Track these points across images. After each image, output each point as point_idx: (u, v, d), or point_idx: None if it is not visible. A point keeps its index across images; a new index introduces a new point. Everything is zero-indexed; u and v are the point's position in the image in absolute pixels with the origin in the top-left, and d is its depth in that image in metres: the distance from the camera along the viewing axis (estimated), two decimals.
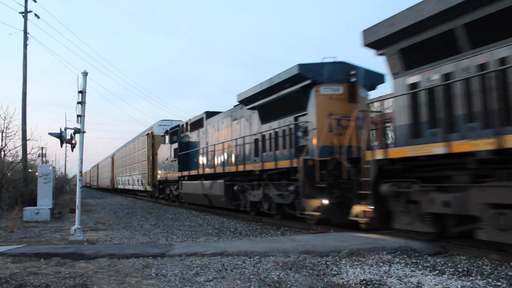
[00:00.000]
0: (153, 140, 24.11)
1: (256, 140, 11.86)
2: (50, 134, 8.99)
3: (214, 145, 14.76)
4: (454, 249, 6.18)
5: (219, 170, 13.97)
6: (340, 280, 4.65)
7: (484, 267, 5.15)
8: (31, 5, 23.39)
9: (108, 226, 11.34)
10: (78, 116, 8.75)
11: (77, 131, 8.81)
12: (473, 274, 4.79)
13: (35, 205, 14.17)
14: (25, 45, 19.92)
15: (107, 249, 6.52)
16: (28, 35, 20.28)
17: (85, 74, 8.77)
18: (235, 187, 12.66)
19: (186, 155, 17.76)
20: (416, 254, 5.87)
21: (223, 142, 14.05)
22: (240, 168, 12.38)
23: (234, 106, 13.76)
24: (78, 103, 8.69)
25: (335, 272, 4.98)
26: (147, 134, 25.18)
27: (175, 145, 19.00)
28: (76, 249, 6.58)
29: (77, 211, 8.56)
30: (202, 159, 16.04)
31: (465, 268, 5.06)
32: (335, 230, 8.57)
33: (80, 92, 8.65)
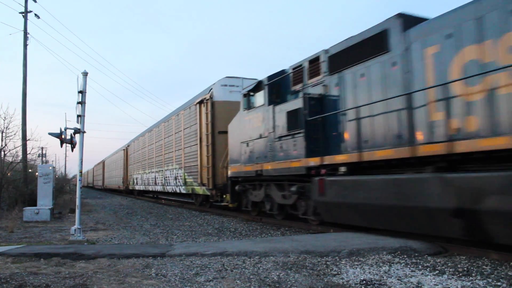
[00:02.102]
0: (213, 110, 14.37)
1: None
2: (50, 134, 8.99)
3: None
4: (454, 249, 6.18)
5: None
6: (340, 280, 4.65)
7: (484, 267, 5.15)
8: (31, 5, 23.45)
9: (108, 226, 11.34)
10: (78, 116, 8.75)
11: (77, 131, 8.81)
12: (473, 274, 4.79)
13: (35, 205, 14.17)
14: (25, 45, 19.93)
15: (107, 249, 6.52)
16: (28, 35, 20.31)
17: (85, 74, 8.77)
18: None
19: (326, 122, 8.79)
20: (416, 254, 5.87)
21: None
22: None
23: None
24: (78, 103, 8.69)
25: (335, 272, 4.98)
26: (200, 102, 15.18)
27: (290, 106, 9.44)
28: (76, 249, 6.58)
29: (77, 211, 8.56)
30: (408, 122, 6.89)
31: (465, 268, 5.06)
32: (335, 230, 8.57)
33: (80, 92, 8.65)
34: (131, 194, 32.53)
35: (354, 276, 4.76)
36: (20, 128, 18.86)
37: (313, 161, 8.74)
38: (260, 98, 11.11)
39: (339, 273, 4.95)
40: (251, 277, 4.79)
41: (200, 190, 15.33)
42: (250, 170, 11.27)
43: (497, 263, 5.30)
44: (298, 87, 9.97)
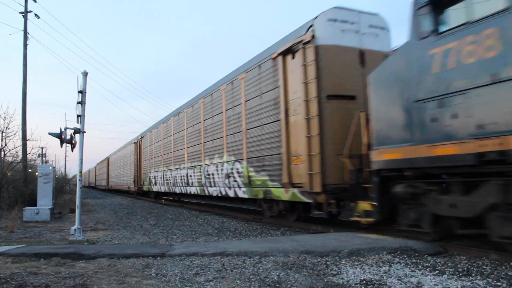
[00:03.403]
0: (317, 60, 8.75)
1: None
2: (50, 134, 9.00)
3: None
4: (454, 249, 6.18)
5: None
6: (340, 280, 4.65)
7: (484, 267, 5.15)
8: (31, 5, 23.50)
9: (108, 226, 11.34)
10: (78, 116, 8.77)
11: (77, 131, 8.82)
12: (473, 274, 4.79)
13: (35, 205, 14.19)
14: (25, 45, 19.94)
15: (107, 249, 6.52)
16: (28, 35, 20.32)
17: (85, 74, 8.78)
18: None
19: None
20: (416, 254, 5.87)
21: None
22: None
23: None
24: (78, 103, 8.70)
25: (335, 272, 4.98)
26: (286, 51, 9.65)
27: None
28: (76, 249, 6.59)
29: (77, 211, 8.56)
30: None
31: (465, 268, 5.06)
32: (335, 230, 8.57)
33: (80, 92, 8.66)
34: (144, 196, 26.91)
35: (354, 276, 4.76)
36: (20, 128, 18.90)
37: None
38: None
39: (339, 273, 4.95)
40: (251, 277, 4.79)
41: (284, 194, 9.67)
42: (455, 153, 5.91)
43: (497, 263, 5.30)
44: None
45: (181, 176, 17.57)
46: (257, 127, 10.95)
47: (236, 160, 12.13)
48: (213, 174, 13.91)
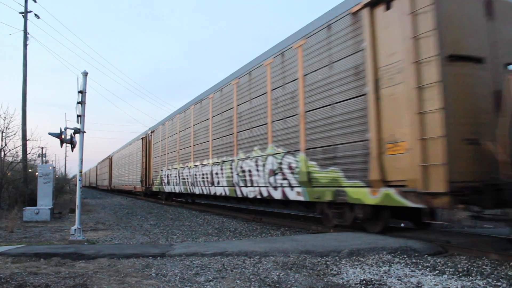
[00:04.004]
0: (438, 6, 6.25)
1: None
2: (50, 134, 9.01)
3: None
4: (454, 249, 6.18)
5: None
6: (340, 280, 4.65)
7: (484, 267, 5.15)
8: (31, 5, 23.52)
9: (108, 226, 11.34)
10: (78, 116, 8.77)
11: (77, 131, 8.82)
12: (473, 274, 4.79)
13: (35, 205, 14.19)
14: (25, 45, 19.94)
15: (107, 249, 6.52)
16: (28, 35, 20.33)
17: (85, 74, 8.78)
18: None
19: None
20: (416, 254, 5.87)
21: None
22: None
23: None
24: (78, 103, 8.70)
25: (335, 272, 4.98)
26: None
27: None
28: (76, 249, 6.58)
29: (77, 211, 8.56)
30: None
31: (465, 268, 5.06)
32: (335, 230, 8.57)
33: (80, 92, 8.66)
34: (153, 197, 24.79)
35: (354, 276, 4.76)
36: (20, 128, 18.90)
37: None
38: None
39: (339, 273, 4.96)
40: (251, 277, 4.79)
41: (369, 196, 7.23)
42: None
43: (497, 263, 5.30)
44: None
45: (203, 174, 14.83)
46: (324, 107, 8.47)
47: (288, 152, 9.65)
48: (250, 171, 11.34)
